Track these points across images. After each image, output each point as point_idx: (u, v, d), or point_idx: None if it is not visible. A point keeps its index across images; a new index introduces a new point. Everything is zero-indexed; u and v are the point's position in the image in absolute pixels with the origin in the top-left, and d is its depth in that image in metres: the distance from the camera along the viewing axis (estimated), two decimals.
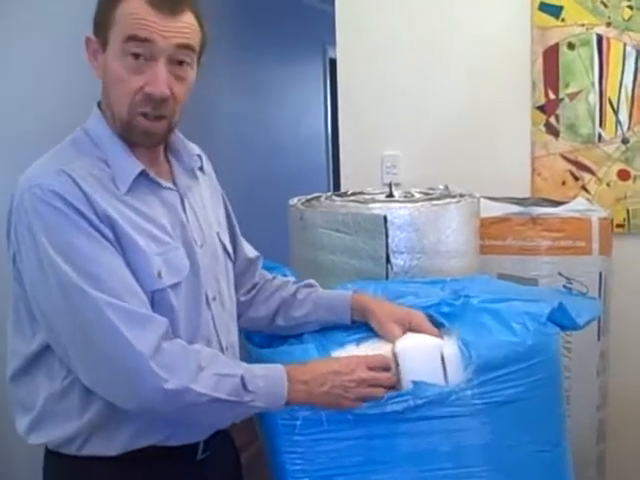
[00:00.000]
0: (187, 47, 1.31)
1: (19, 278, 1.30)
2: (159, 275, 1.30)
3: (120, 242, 1.27)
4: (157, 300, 1.31)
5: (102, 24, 1.31)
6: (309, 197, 2.14)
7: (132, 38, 1.27)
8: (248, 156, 4.49)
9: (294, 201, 2.09)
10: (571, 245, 2.31)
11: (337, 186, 4.85)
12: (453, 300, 1.54)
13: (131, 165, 1.34)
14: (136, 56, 1.28)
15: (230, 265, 1.54)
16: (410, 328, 1.49)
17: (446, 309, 1.52)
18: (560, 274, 2.31)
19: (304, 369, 1.36)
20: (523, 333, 1.43)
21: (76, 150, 1.34)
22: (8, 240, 1.31)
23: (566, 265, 2.31)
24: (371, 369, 1.37)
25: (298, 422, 1.36)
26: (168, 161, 1.45)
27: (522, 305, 1.50)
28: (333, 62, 5.37)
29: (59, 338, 1.27)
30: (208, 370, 1.26)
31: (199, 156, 1.52)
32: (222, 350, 1.43)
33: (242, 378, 1.28)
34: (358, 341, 1.50)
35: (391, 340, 1.46)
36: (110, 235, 1.26)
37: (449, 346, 1.40)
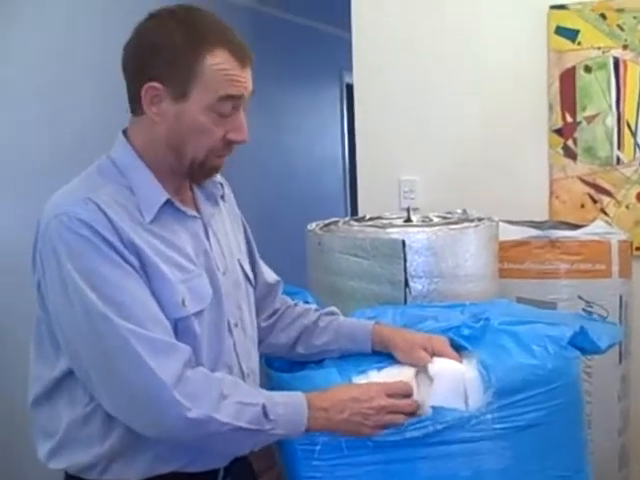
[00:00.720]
0: (252, 92, 1.37)
1: (43, 304, 1.31)
2: (183, 303, 1.31)
3: (145, 270, 1.28)
4: (181, 328, 1.31)
5: (178, 77, 1.30)
6: (327, 222, 2.14)
7: (228, 98, 1.31)
8: (265, 180, 4.51)
9: (312, 226, 2.09)
10: (590, 268, 2.30)
11: (354, 210, 4.87)
12: (473, 323, 1.53)
13: (157, 194, 1.35)
14: (229, 110, 1.33)
15: (251, 291, 1.55)
16: (433, 353, 1.49)
17: (466, 332, 1.52)
18: (580, 297, 2.30)
19: (324, 396, 1.36)
20: (543, 356, 1.42)
21: (102, 177, 1.35)
22: (34, 267, 1.32)
23: (585, 288, 2.30)
24: (391, 396, 1.37)
25: (317, 447, 1.35)
26: (191, 189, 1.47)
27: (543, 328, 1.49)
28: (349, 87, 5.43)
29: (82, 364, 1.28)
30: (230, 399, 1.26)
31: (221, 184, 1.54)
32: (243, 376, 1.43)
33: (263, 407, 1.28)
34: (379, 368, 1.49)
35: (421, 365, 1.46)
36: (135, 263, 1.27)
37: (469, 370, 1.40)
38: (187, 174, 1.39)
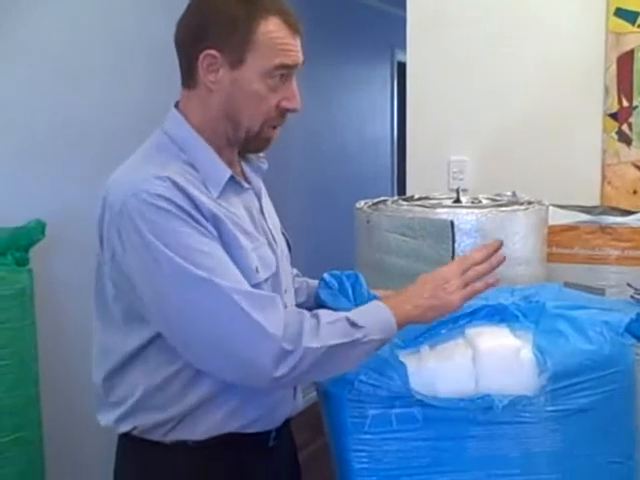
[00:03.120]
0: (303, 62, 1.40)
1: (117, 281, 1.33)
2: (257, 270, 1.35)
3: (224, 239, 1.31)
4: None
5: (235, 43, 1.33)
6: (375, 200, 2.15)
7: (283, 66, 1.35)
8: (315, 158, 4.53)
9: (361, 204, 2.10)
10: None
11: (401, 190, 4.86)
12: (525, 305, 1.53)
13: (221, 170, 1.38)
14: (281, 77, 1.36)
15: (289, 257, 1.59)
16: None
17: (518, 312, 1.51)
18: (629, 284, 2.27)
19: (396, 294, 1.40)
20: (600, 342, 1.41)
21: (163, 154, 1.37)
22: (103, 244, 1.34)
23: (635, 275, 2.26)
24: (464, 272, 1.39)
25: (367, 420, 1.36)
26: (239, 162, 1.49)
27: (599, 314, 1.49)
28: (401, 65, 5.41)
29: (175, 332, 1.29)
30: (318, 325, 1.27)
31: (264, 158, 1.57)
32: None
33: (347, 319, 1.29)
34: (432, 344, 1.48)
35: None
36: (215, 233, 1.30)
37: (525, 351, 1.40)
38: (242, 144, 1.42)
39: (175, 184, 1.28)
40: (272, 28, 1.33)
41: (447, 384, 1.38)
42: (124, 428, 1.40)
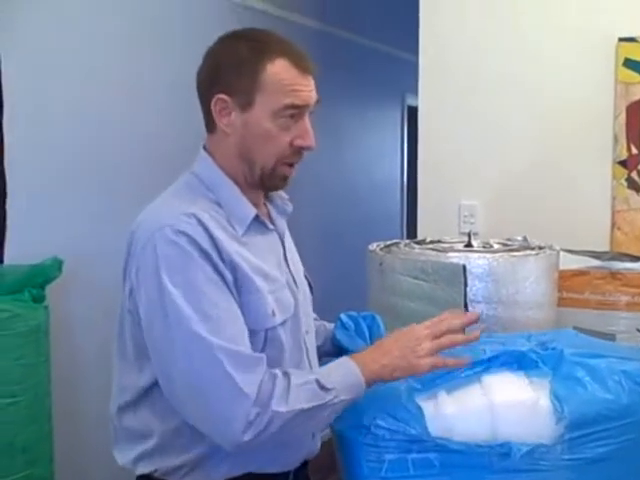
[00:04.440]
0: (318, 101, 1.42)
1: (131, 314, 1.36)
2: (273, 313, 1.37)
3: (240, 283, 1.33)
4: (270, 337, 1.37)
5: (244, 87, 1.38)
6: (388, 243, 2.17)
7: (290, 107, 1.38)
8: (325, 200, 4.56)
9: (373, 246, 2.13)
10: None
11: (410, 233, 4.88)
12: (542, 351, 1.53)
13: (246, 208, 1.42)
14: (292, 117, 1.39)
15: (311, 299, 1.61)
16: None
17: (534, 356, 1.51)
18: (638, 330, 2.28)
19: (368, 349, 1.41)
20: (618, 391, 1.41)
21: (192, 193, 1.41)
22: (126, 276, 1.37)
23: None
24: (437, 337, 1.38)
25: (384, 465, 1.36)
26: (265, 205, 1.53)
27: (617, 362, 1.49)
28: (411, 109, 5.48)
29: (161, 374, 1.31)
30: (288, 388, 1.29)
31: (290, 200, 1.59)
32: None
33: (317, 381, 1.30)
34: (448, 389, 1.46)
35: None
36: (230, 278, 1.32)
37: (542, 400, 1.39)
38: (259, 183, 1.44)
39: (200, 222, 1.31)
40: (279, 70, 1.37)
41: (464, 431, 1.37)
42: (144, 469, 1.40)
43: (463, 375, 1.49)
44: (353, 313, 1.71)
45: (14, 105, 2.42)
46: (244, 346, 1.29)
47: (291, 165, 1.43)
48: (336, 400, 1.31)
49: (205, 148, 1.47)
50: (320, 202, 4.45)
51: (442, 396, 1.44)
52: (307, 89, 1.39)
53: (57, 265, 2.38)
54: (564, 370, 1.46)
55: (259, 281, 1.36)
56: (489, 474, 1.35)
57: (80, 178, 2.71)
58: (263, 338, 1.35)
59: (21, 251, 2.43)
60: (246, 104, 1.38)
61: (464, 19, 2.86)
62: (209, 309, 1.27)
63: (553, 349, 1.53)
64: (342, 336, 1.65)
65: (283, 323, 1.39)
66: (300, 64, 1.39)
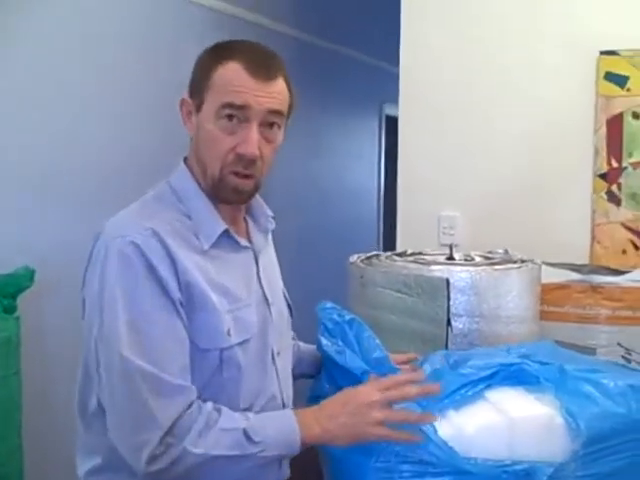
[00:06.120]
0: (278, 112, 1.37)
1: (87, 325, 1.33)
2: (228, 333, 1.32)
3: (195, 300, 1.29)
4: (225, 358, 1.32)
5: (198, 87, 1.37)
6: (368, 255, 2.14)
7: (228, 105, 1.33)
8: (300, 210, 4.53)
9: (354, 258, 2.09)
10: (631, 315, 2.28)
11: (387, 244, 4.87)
12: (533, 362, 1.51)
13: (216, 222, 1.38)
14: (230, 118, 1.34)
15: (290, 320, 1.58)
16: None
17: (538, 371, 1.49)
18: (619, 344, 2.28)
19: (314, 407, 1.35)
20: (628, 405, 1.42)
21: (160, 204, 1.38)
22: (83, 283, 1.36)
23: (626, 335, 2.27)
24: (386, 390, 1.31)
25: None
26: (245, 220, 1.49)
27: (623, 377, 1.49)
28: (389, 119, 5.47)
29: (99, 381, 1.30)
30: (212, 428, 1.24)
31: (273, 218, 1.56)
32: (283, 404, 1.45)
33: (244, 431, 1.25)
34: (456, 407, 1.41)
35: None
36: (178, 295, 1.28)
37: (556, 416, 1.37)
38: (214, 194, 1.39)
39: (155, 234, 1.28)
40: (227, 71, 1.35)
41: (482, 450, 1.32)
42: None
43: (465, 392, 1.43)
44: (335, 317, 1.61)
45: None
46: (170, 372, 1.24)
47: (238, 175, 1.36)
48: (263, 454, 1.25)
49: (185, 160, 1.44)
50: (295, 211, 4.42)
51: (453, 415, 1.38)
52: (255, 93, 1.34)
53: (29, 275, 2.32)
54: (569, 385, 1.43)
55: (216, 298, 1.31)
56: None
57: (52, 187, 2.66)
58: (218, 358, 1.31)
59: None
60: (200, 104, 1.37)
61: (445, 30, 2.85)
62: (143, 326, 1.24)
63: (548, 364, 1.50)
64: (329, 348, 1.53)
65: (242, 343, 1.34)
66: (254, 69, 1.34)
